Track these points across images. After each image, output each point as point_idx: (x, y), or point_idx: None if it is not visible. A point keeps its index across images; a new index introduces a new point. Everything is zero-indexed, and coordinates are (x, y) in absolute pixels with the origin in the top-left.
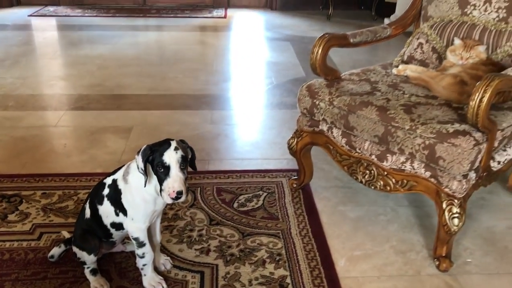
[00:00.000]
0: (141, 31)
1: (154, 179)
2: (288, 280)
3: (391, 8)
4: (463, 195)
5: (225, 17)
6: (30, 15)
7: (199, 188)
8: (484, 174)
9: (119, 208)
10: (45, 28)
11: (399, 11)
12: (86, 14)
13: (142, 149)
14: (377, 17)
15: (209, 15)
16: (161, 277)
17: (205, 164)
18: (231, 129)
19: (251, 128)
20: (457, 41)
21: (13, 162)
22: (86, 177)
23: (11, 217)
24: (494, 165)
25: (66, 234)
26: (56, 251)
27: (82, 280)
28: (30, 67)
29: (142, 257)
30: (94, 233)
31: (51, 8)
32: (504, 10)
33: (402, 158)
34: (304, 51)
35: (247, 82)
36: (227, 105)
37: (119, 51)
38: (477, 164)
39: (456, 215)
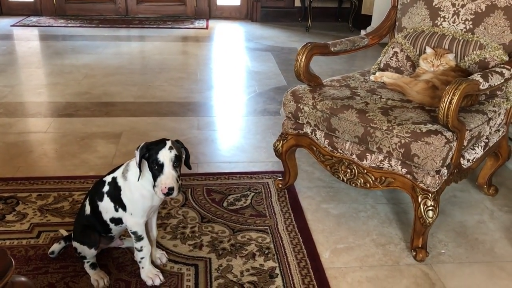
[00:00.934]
0: (124, 41)
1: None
2: (277, 271)
3: (367, 20)
4: (436, 189)
5: (207, 28)
6: (13, 25)
7: (189, 189)
8: (455, 171)
9: (119, 204)
10: (29, 38)
11: (375, 23)
12: (69, 25)
13: (140, 146)
14: (354, 29)
15: (191, 26)
16: (158, 270)
17: (194, 167)
18: (217, 135)
19: (236, 133)
20: (429, 50)
21: (7, 166)
22: (79, 180)
23: (9, 217)
24: (464, 163)
25: (64, 232)
26: (56, 247)
27: (82, 274)
28: (16, 76)
29: (140, 250)
30: (94, 228)
31: (33, 19)
32: (471, 22)
33: (381, 157)
34: (285, 61)
35: (231, 91)
36: (213, 112)
37: (104, 60)
38: (448, 161)
39: (431, 207)
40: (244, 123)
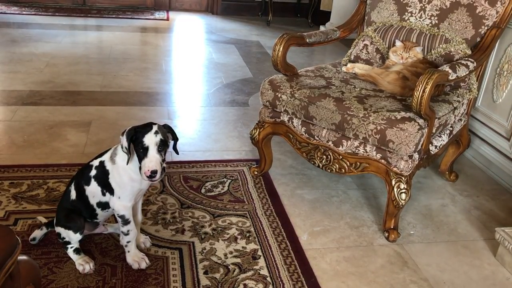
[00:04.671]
0: (84, 31)
1: None
2: (260, 253)
3: (327, 16)
4: (409, 173)
5: (167, 19)
6: None
7: (166, 177)
8: (424, 156)
9: (106, 188)
10: None
11: (334, 19)
12: (24, 12)
13: (127, 130)
14: (313, 24)
15: (152, 17)
16: (143, 254)
17: (168, 156)
18: (189, 124)
19: (207, 123)
20: (398, 43)
21: None
22: (53, 168)
23: None
24: (432, 149)
25: (42, 219)
26: (38, 233)
27: (65, 260)
28: None
29: (127, 234)
30: (79, 213)
31: None
32: (436, 18)
33: (356, 143)
34: (248, 53)
35: (198, 81)
36: (182, 102)
37: (66, 49)
38: (420, 146)
39: (404, 190)
40: (214, 113)
